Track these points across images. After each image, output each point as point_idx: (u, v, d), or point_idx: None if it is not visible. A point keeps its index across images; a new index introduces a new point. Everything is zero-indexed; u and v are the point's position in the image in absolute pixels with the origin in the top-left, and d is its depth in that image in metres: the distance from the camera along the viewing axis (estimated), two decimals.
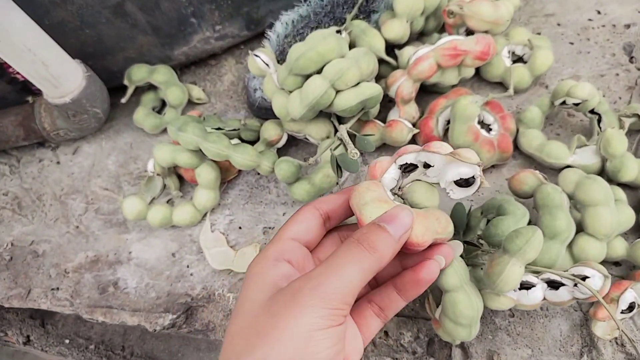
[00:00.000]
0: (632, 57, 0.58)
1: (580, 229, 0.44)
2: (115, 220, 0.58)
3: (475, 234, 0.46)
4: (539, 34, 0.61)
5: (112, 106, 0.62)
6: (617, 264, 0.47)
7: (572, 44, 0.60)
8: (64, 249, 0.58)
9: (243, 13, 0.59)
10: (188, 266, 0.54)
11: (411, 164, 0.38)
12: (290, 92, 0.50)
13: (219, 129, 0.54)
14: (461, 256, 0.44)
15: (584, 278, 0.39)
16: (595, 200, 0.42)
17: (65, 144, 0.64)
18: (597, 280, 0.38)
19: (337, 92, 0.48)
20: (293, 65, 0.47)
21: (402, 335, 0.47)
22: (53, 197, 0.61)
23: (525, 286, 0.40)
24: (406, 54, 0.53)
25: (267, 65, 0.53)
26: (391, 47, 0.56)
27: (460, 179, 0.36)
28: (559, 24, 0.62)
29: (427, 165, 0.38)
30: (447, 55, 0.50)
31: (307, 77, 0.48)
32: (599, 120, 0.51)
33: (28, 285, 0.56)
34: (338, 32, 0.54)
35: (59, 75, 0.52)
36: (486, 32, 0.53)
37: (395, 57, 0.56)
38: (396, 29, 0.53)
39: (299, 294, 0.28)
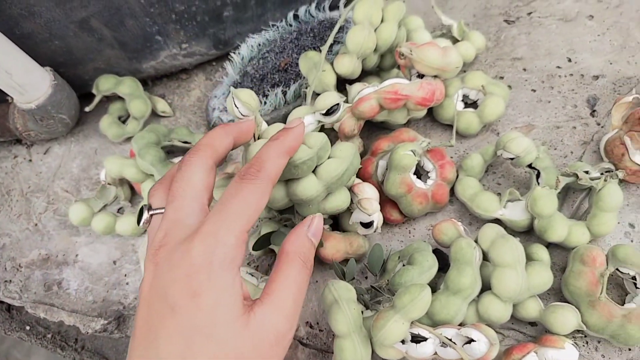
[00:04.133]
0: (594, 111, 0.57)
1: (489, 287, 0.44)
2: (69, 222, 0.61)
3: (389, 277, 0.46)
4: (501, 78, 0.61)
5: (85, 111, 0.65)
6: (533, 324, 0.47)
7: (534, 91, 0.59)
8: (21, 244, 0.61)
9: (209, 34, 0.61)
10: (126, 275, 0.56)
11: None
12: None
13: (186, 142, 0.57)
14: (363, 300, 0.45)
15: (470, 341, 0.39)
16: (503, 261, 0.42)
17: (39, 143, 0.68)
18: (482, 345, 0.38)
19: None
20: None
21: None
22: (20, 193, 0.65)
23: (416, 339, 0.41)
24: (354, 90, 0.54)
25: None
26: (344, 81, 0.57)
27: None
28: (524, 69, 0.61)
29: None
30: (388, 98, 0.50)
31: None
32: (538, 175, 0.50)
33: None
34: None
35: (23, 84, 0.55)
36: (435, 76, 0.53)
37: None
38: (347, 65, 0.54)
39: None
